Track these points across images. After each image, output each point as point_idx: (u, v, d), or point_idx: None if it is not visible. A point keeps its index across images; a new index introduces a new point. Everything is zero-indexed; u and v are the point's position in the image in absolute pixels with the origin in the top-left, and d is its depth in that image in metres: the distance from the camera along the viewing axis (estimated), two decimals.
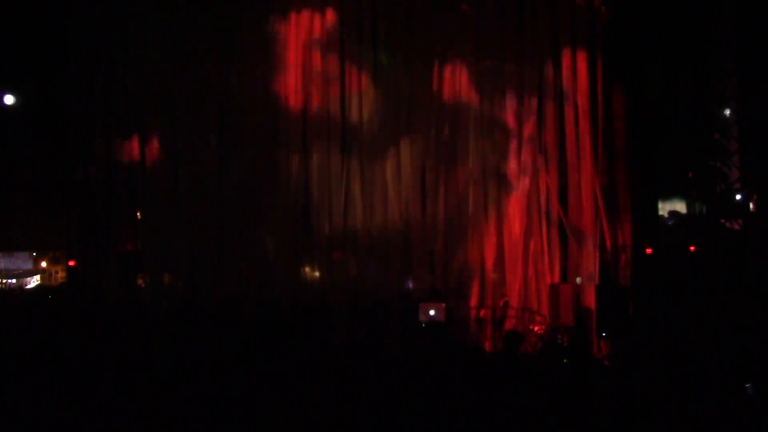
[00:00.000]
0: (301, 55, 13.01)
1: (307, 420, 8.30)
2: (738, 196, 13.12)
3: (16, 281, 13.71)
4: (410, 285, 12.89)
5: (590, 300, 12.25)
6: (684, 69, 12.90)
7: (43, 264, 14.03)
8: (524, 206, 12.79)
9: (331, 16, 13.01)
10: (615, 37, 12.97)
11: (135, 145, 12.87)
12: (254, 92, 13.04)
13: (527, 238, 12.79)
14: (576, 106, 12.84)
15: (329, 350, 10.93)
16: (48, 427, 8.18)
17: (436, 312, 11.46)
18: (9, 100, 12.98)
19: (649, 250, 13.00)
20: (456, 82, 13.11)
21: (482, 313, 12.71)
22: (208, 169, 12.86)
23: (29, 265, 14.11)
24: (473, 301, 12.77)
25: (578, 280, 12.60)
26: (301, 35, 13.01)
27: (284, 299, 12.59)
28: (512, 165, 12.95)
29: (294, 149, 12.94)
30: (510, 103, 13.02)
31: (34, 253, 14.10)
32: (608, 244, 12.78)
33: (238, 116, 12.99)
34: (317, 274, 13.07)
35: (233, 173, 12.91)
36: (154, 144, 12.90)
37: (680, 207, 13.56)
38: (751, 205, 13.19)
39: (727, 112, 13.03)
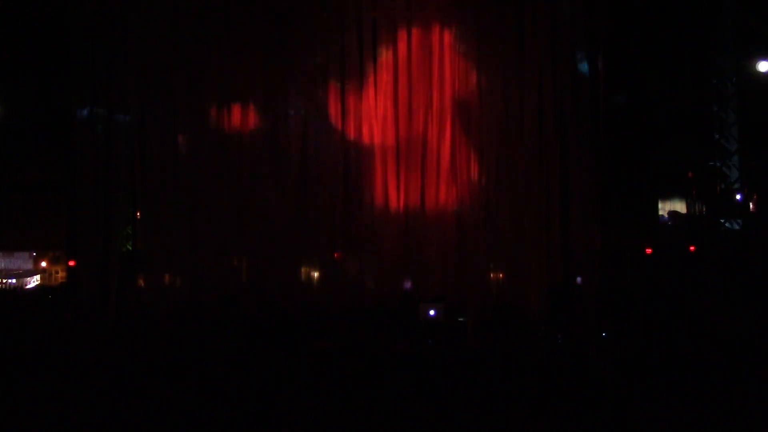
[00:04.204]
0: (302, 53, 13.01)
1: (308, 419, 8.31)
2: (738, 196, 13.12)
3: (16, 281, 13.70)
4: (409, 285, 12.88)
5: (590, 299, 12.24)
6: (684, 69, 12.89)
7: (43, 264, 14.02)
8: (525, 206, 12.77)
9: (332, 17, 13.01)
10: (615, 37, 12.96)
11: (135, 145, 12.87)
12: (254, 92, 13.05)
13: (528, 237, 12.78)
14: (576, 106, 12.83)
15: (329, 350, 10.96)
16: (48, 427, 8.19)
17: (436, 312, 11.46)
18: None
19: (649, 250, 12.98)
20: (456, 82, 13.11)
21: (483, 312, 12.70)
22: (208, 169, 12.87)
23: (29, 265, 14.10)
24: (473, 300, 12.76)
25: (579, 280, 12.59)
26: (300, 34, 13.00)
27: (284, 299, 12.61)
28: (513, 165, 12.94)
29: (294, 149, 12.96)
30: (510, 104, 13.00)
31: (34, 253, 14.09)
32: (608, 243, 12.75)
33: (238, 118, 13.00)
34: (317, 274, 13.09)
35: (233, 174, 12.92)
36: (154, 144, 12.89)
37: (680, 207, 13.56)
38: (751, 205, 13.19)
39: (727, 111, 13.04)
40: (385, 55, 13.06)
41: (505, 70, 13.04)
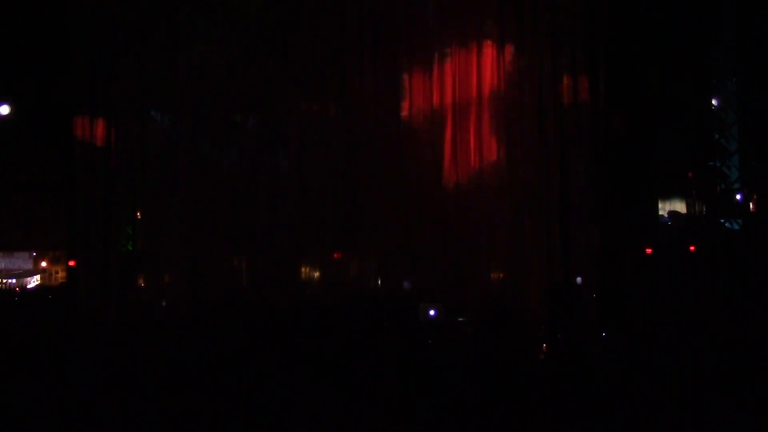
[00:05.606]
0: (300, 46, 13.02)
1: (308, 420, 8.32)
2: (738, 196, 13.14)
3: (16, 281, 13.72)
4: (407, 285, 12.89)
5: (590, 300, 12.25)
6: (684, 69, 12.90)
7: (43, 264, 14.04)
8: (525, 206, 12.78)
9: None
10: (615, 36, 12.96)
11: (135, 145, 12.89)
12: (253, 92, 13.07)
13: (527, 236, 12.78)
14: (576, 106, 12.84)
15: (329, 350, 10.96)
16: (49, 427, 8.20)
17: (436, 312, 11.47)
18: (4, 110, 13.04)
19: (649, 250, 13.00)
20: (456, 83, 13.12)
21: (481, 312, 12.70)
22: (208, 169, 12.90)
23: (29, 265, 14.12)
24: (473, 300, 12.76)
25: (579, 280, 12.60)
26: (299, 33, 13.02)
27: (284, 299, 12.62)
28: (513, 165, 12.95)
29: (294, 147, 12.98)
30: (509, 102, 13.01)
31: (34, 253, 14.11)
32: (608, 243, 12.77)
33: (237, 117, 13.03)
34: (317, 274, 13.10)
35: (232, 173, 12.95)
36: (154, 144, 12.92)
37: (680, 207, 13.57)
38: (751, 205, 13.21)
39: (727, 111, 13.06)
40: (386, 55, 13.08)
41: (504, 70, 13.05)
